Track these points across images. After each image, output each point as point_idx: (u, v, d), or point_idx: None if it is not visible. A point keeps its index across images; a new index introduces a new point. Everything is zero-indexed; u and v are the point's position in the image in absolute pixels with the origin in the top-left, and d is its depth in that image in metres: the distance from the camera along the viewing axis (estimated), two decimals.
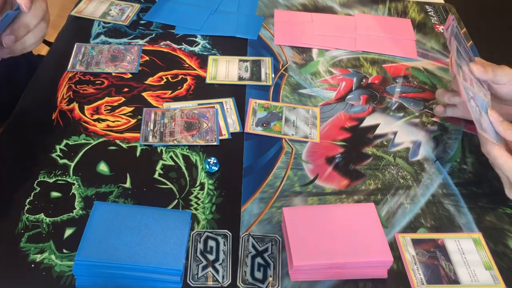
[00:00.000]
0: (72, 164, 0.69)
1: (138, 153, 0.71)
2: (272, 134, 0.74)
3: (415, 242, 0.62)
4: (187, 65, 0.87)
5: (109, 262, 0.54)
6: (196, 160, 0.71)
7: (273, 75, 0.86)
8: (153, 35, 0.93)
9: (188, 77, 0.84)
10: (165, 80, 0.84)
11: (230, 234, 0.62)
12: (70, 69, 0.84)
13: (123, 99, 0.79)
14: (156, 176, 0.68)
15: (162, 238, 0.56)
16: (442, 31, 1.00)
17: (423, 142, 0.76)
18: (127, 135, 0.73)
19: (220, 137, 0.74)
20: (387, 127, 0.78)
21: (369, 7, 1.05)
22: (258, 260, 0.60)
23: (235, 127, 0.76)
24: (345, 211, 0.61)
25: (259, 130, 0.75)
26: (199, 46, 0.91)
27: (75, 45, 0.89)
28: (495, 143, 0.62)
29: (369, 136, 0.77)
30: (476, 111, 0.64)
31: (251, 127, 0.75)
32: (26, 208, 0.63)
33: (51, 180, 0.67)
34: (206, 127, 0.75)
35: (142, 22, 0.96)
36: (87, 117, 0.76)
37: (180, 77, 0.84)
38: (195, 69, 0.86)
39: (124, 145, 0.72)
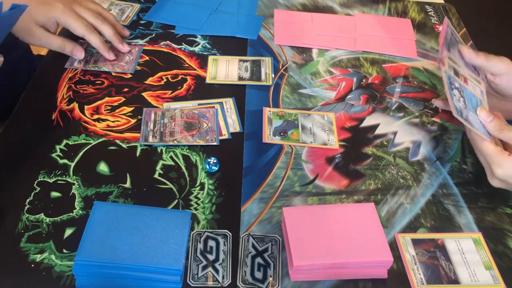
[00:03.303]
0: (72, 164, 0.69)
1: (138, 153, 0.71)
2: (290, 143, 0.74)
3: (415, 242, 0.62)
4: (187, 65, 0.87)
5: (109, 262, 0.54)
6: (196, 160, 0.71)
7: (273, 75, 0.86)
8: (153, 35, 0.93)
9: (188, 77, 0.84)
10: (165, 80, 0.84)
11: (230, 234, 0.62)
12: (68, 66, 0.84)
13: (123, 99, 0.79)
14: (156, 176, 0.68)
15: (162, 238, 0.56)
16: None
17: (423, 142, 0.76)
18: (127, 135, 0.73)
19: (220, 137, 0.74)
20: (387, 127, 0.78)
21: (369, 7, 1.05)
22: (258, 260, 0.60)
23: (235, 127, 0.76)
24: (345, 211, 0.61)
25: (277, 140, 0.74)
26: (199, 46, 0.91)
27: (77, 42, 0.89)
28: (484, 137, 0.63)
29: (369, 136, 0.77)
30: (460, 101, 0.64)
31: (268, 137, 0.75)
32: (26, 208, 0.63)
33: (51, 180, 0.67)
34: (206, 127, 0.75)
35: (142, 22, 0.96)
36: (87, 117, 0.76)
37: (180, 77, 0.84)
38: (195, 69, 0.86)
39: (124, 145, 0.72)
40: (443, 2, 1.10)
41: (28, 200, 0.64)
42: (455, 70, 0.68)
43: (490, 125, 0.64)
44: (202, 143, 0.72)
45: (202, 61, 0.88)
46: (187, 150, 0.72)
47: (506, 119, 0.74)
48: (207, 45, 0.92)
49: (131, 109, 0.78)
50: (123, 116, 0.76)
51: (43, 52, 1.10)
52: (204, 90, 0.82)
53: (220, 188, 0.67)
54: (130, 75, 0.84)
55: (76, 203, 0.64)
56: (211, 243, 0.61)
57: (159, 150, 0.72)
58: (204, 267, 0.58)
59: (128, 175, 0.68)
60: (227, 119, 0.77)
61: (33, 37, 0.79)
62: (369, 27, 0.99)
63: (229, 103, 0.80)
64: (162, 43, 0.91)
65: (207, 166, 0.69)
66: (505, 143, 0.66)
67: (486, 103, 0.69)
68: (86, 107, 0.77)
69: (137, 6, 1.00)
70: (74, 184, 0.66)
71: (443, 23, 0.70)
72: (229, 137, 0.74)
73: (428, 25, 1.01)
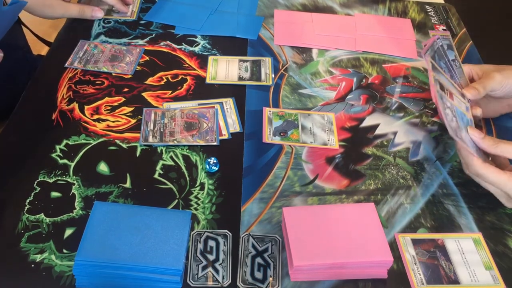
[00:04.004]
0: (72, 164, 0.69)
1: (138, 153, 0.71)
2: (290, 143, 0.74)
3: (415, 242, 0.62)
4: (187, 65, 0.87)
5: (109, 262, 0.54)
6: (196, 160, 0.71)
7: (273, 75, 0.86)
8: (153, 35, 0.93)
9: (188, 77, 0.84)
10: (165, 80, 0.84)
11: (230, 234, 0.62)
12: (68, 65, 0.84)
13: (123, 99, 0.79)
14: (156, 176, 0.68)
15: (162, 238, 0.56)
16: (441, 31, 1.00)
17: (423, 142, 0.76)
18: (127, 135, 0.74)
19: (220, 137, 0.74)
20: (387, 127, 0.78)
21: (369, 7, 1.05)
22: (258, 260, 0.60)
23: (235, 127, 0.76)
24: (345, 211, 0.61)
25: (277, 140, 0.74)
26: (199, 46, 0.91)
27: (79, 42, 0.89)
28: (478, 157, 0.63)
29: (369, 136, 0.77)
30: (453, 120, 0.65)
31: (268, 137, 0.75)
32: (26, 208, 0.63)
33: (51, 180, 0.67)
34: (206, 127, 0.75)
35: (142, 22, 0.96)
36: (87, 117, 0.76)
37: (180, 77, 0.84)
38: (195, 69, 0.86)
39: (124, 145, 0.72)
40: (443, 2, 1.10)
41: (28, 200, 0.64)
42: (440, 85, 0.68)
43: (484, 142, 0.64)
44: (202, 143, 0.72)
45: (202, 61, 0.88)
46: (187, 150, 0.72)
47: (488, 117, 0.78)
48: (207, 45, 0.92)
49: (131, 109, 0.78)
50: (123, 116, 0.76)
51: (43, 52, 1.10)
52: (204, 90, 0.82)
53: (220, 188, 0.67)
54: (130, 75, 0.84)
55: (76, 203, 0.64)
56: (211, 243, 0.61)
57: (159, 150, 0.72)
58: (204, 267, 0.58)
59: (128, 175, 0.68)
60: (227, 119, 0.77)
61: (53, 9, 0.85)
62: (369, 27, 0.99)
63: (229, 103, 0.80)
64: (162, 43, 0.91)
65: (207, 166, 0.69)
66: (496, 158, 0.66)
67: (472, 121, 0.69)
68: (86, 107, 0.77)
69: (138, 0, 1.00)
70: (74, 184, 0.66)
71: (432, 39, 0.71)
72: (229, 137, 0.74)
73: (428, 25, 1.01)
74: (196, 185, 0.67)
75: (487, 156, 0.67)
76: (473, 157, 0.63)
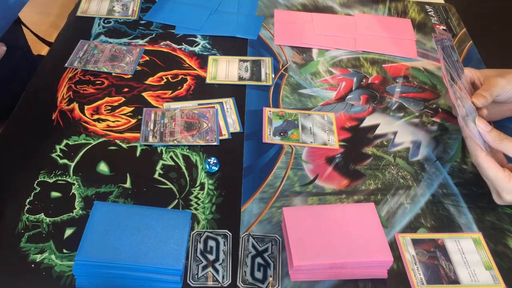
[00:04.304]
0: (72, 164, 0.69)
1: (138, 153, 0.71)
2: (290, 143, 0.74)
3: (415, 242, 0.62)
4: (187, 65, 0.87)
5: (109, 262, 0.54)
6: (196, 160, 0.71)
7: (273, 75, 0.86)
8: (153, 35, 0.93)
9: (188, 77, 0.84)
10: (165, 80, 0.84)
11: (230, 234, 0.62)
12: (68, 65, 0.84)
13: (123, 99, 0.79)
14: (156, 176, 0.68)
15: (162, 238, 0.56)
16: (442, 31, 1.00)
17: (423, 142, 0.76)
18: (127, 135, 0.74)
19: (220, 137, 0.74)
20: (387, 127, 0.78)
21: (369, 7, 1.05)
22: (258, 260, 0.60)
23: (235, 127, 0.76)
24: (345, 211, 0.61)
25: (277, 140, 0.74)
26: (199, 46, 0.91)
27: (79, 42, 0.89)
28: (483, 148, 0.63)
29: (369, 136, 0.77)
30: (463, 111, 0.65)
31: (268, 137, 0.75)
32: (26, 208, 0.63)
33: (51, 180, 0.67)
34: (206, 127, 0.75)
35: (142, 22, 0.96)
36: (87, 117, 0.76)
37: (180, 77, 0.84)
38: (195, 69, 0.86)
39: (124, 145, 0.72)
40: (443, 2, 1.10)
41: (28, 200, 0.64)
42: (451, 75, 0.68)
43: (489, 135, 0.64)
44: (202, 143, 0.72)
45: (202, 61, 0.88)
46: (187, 150, 0.72)
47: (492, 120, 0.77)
48: (207, 45, 0.92)
49: (131, 109, 0.78)
50: (123, 116, 0.76)
51: (43, 52, 1.10)
52: (204, 90, 0.82)
53: (220, 188, 0.67)
54: (130, 75, 0.84)
55: (76, 203, 0.64)
56: (211, 243, 0.61)
57: (159, 150, 0.72)
58: (204, 267, 0.58)
59: (128, 175, 0.68)
60: (227, 119, 0.77)
61: None
62: (369, 27, 0.99)
63: (229, 103, 0.80)
64: (162, 43, 0.91)
65: (207, 166, 0.69)
66: (497, 153, 0.66)
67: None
68: (86, 107, 0.77)
69: (138, 0, 1.00)
70: (74, 184, 0.66)
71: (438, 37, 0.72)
72: (229, 137, 0.74)
73: (428, 25, 1.01)
74: (196, 185, 0.68)
75: (492, 149, 0.67)
76: (478, 148, 0.63)
